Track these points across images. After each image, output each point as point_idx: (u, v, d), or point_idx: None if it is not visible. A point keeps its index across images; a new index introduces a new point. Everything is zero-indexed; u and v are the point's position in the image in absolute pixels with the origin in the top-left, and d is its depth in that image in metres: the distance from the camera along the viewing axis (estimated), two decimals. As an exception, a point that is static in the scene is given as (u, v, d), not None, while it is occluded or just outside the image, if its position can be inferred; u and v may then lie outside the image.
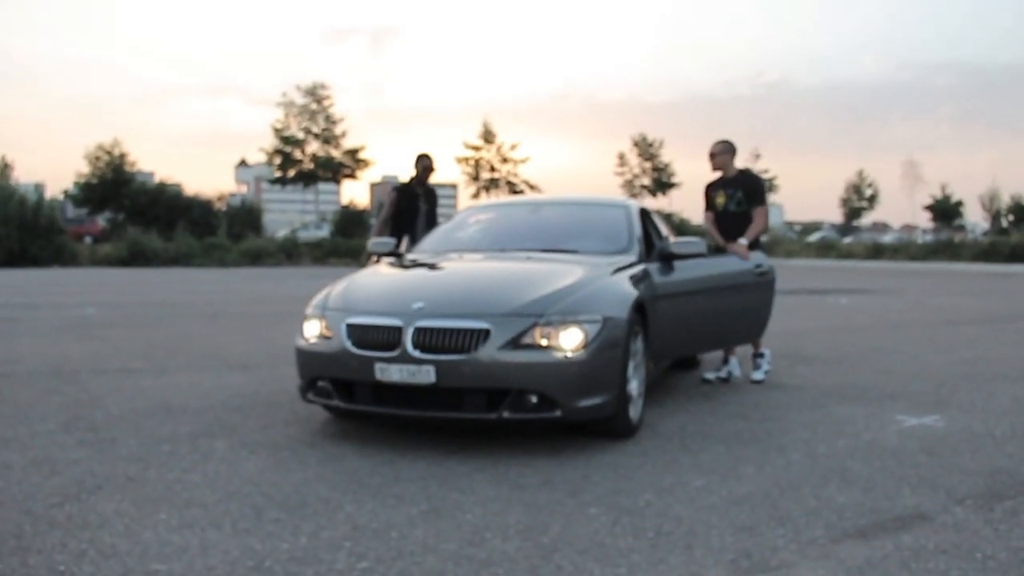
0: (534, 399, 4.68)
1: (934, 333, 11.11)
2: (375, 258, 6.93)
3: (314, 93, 48.39)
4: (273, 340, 9.58)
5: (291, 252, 36.66)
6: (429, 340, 4.71)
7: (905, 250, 40.84)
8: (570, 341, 4.72)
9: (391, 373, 4.72)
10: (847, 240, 54.07)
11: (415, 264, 6.01)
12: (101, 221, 45.73)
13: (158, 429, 5.32)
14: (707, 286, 6.49)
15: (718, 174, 7.44)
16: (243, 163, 70.74)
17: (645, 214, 7.00)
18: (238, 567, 3.17)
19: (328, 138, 48.33)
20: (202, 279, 23.41)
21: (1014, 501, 4.01)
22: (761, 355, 7.23)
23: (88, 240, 39.97)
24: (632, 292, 5.30)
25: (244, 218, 41.02)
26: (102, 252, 33.48)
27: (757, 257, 7.03)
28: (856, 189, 72.66)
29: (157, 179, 48.16)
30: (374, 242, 6.77)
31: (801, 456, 4.78)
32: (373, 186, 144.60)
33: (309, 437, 5.15)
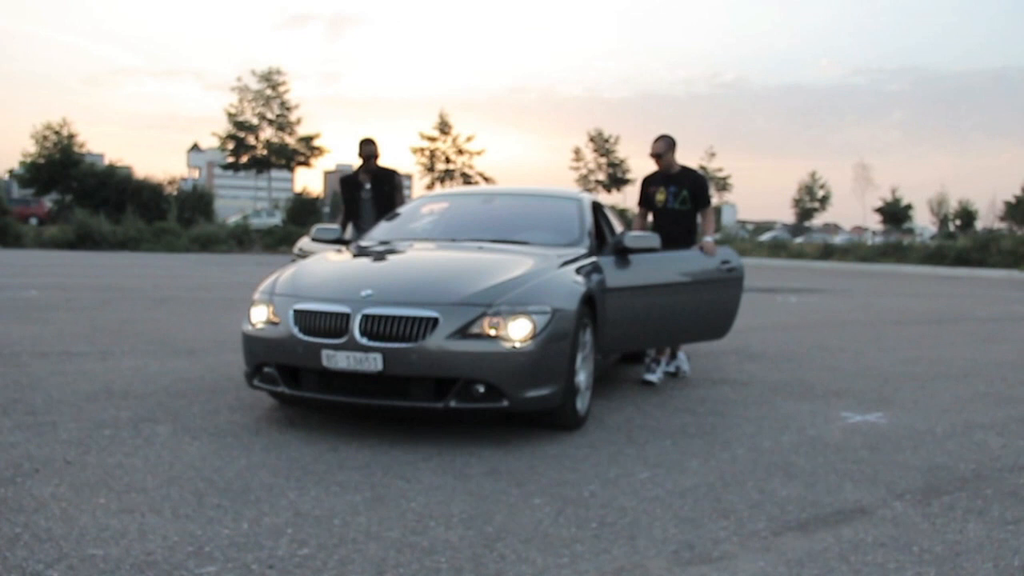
0: (481, 389, 4.66)
1: (880, 332, 11.28)
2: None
3: (269, 79, 47.91)
4: (220, 326, 9.46)
5: (242, 239, 36.24)
6: (377, 328, 4.67)
7: (855, 251, 41.46)
8: (518, 332, 4.71)
9: (338, 360, 4.68)
10: (798, 240, 54.74)
11: (365, 252, 5.96)
12: (48, 203, 44.84)
13: (99, 413, 5.22)
14: (666, 281, 6.45)
15: (654, 167, 7.23)
16: (196, 147, 69.78)
17: (597, 207, 7.01)
18: (177, 552, 3.12)
19: (283, 124, 47.88)
20: (150, 263, 23.06)
21: (951, 496, 4.08)
22: (675, 356, 7.11)
23: (34, 222, 39.15)
24: (581, 284, 5.30)
25: (195, 203, 40.38)
26: (48, 234, 32.81)
27: (725, 253, 6.97)
28: (808, 190, 73.68)
29: (107, 161, 47.46)
30: (317, 228, 6.69)
31: (746, 450, 4.82)
32: (327, 174, 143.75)
33: (253, 423, 5.09)
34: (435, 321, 4.65)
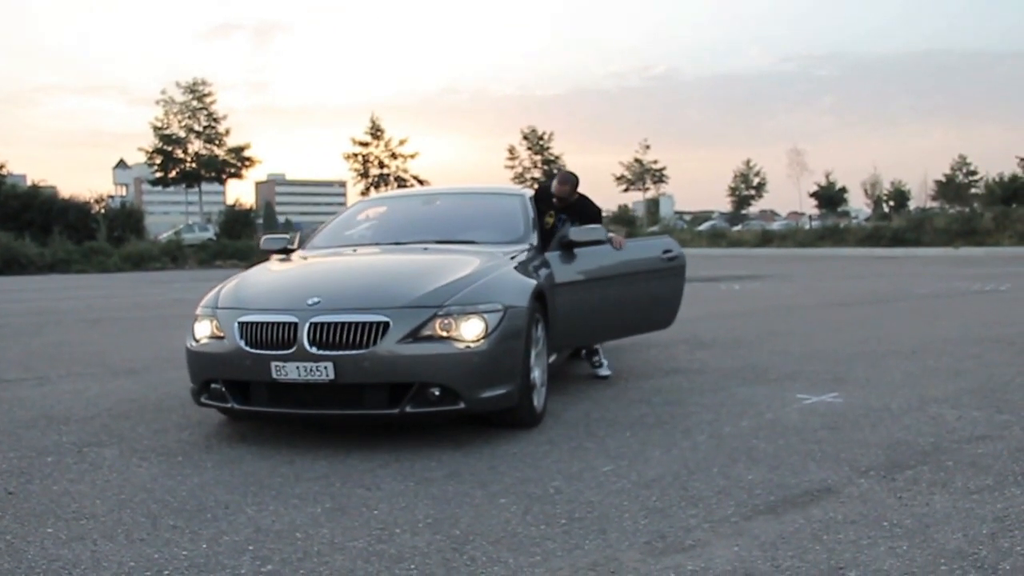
0: (436, 392, 4.57)
1: (825, 315, 11.41)
2: None
3: (195, 90, 47.11)
4: (159, 344, 9.21)
5: (175, 255, 35.55)
6: (326, 336, 4.55)
7: (793, 236, 42.09)
8: (471, 331, 4.62)
9: (288, 371, 4.54)
10: (737, 228, 55.39)
11: (307, 260, 5.82)
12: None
13: (40, 440, 5.02)
14: (611, 273, 6.41)
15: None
16: (122, 164, 68.40)
17: (545, 190, 6.93)
18: (133, 579, 2.98)
19: (211, 136, 47.11)
20: (82, 285, 22.50)
21: (914, 470, 4.10)
22: (596, 351, 6.87)
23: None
24: (531, 281, 5.24)
25: (125, 221, 39.50)
26: (-29, 261, 31.85)
27: (666, 243, 6.95)
28: (744, 178, 74.65)
29: (29, 182, 46.12)
30: (266, 239, 6.53)
31: (707, 437, 4.79)
32: (258, 185, 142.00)
33: (203, 441, 4.94)
34: (385, 325, 4.54)
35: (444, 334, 4.60)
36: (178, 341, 6.00)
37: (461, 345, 4.58)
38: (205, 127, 47.20)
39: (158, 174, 47.66)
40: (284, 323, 4.61)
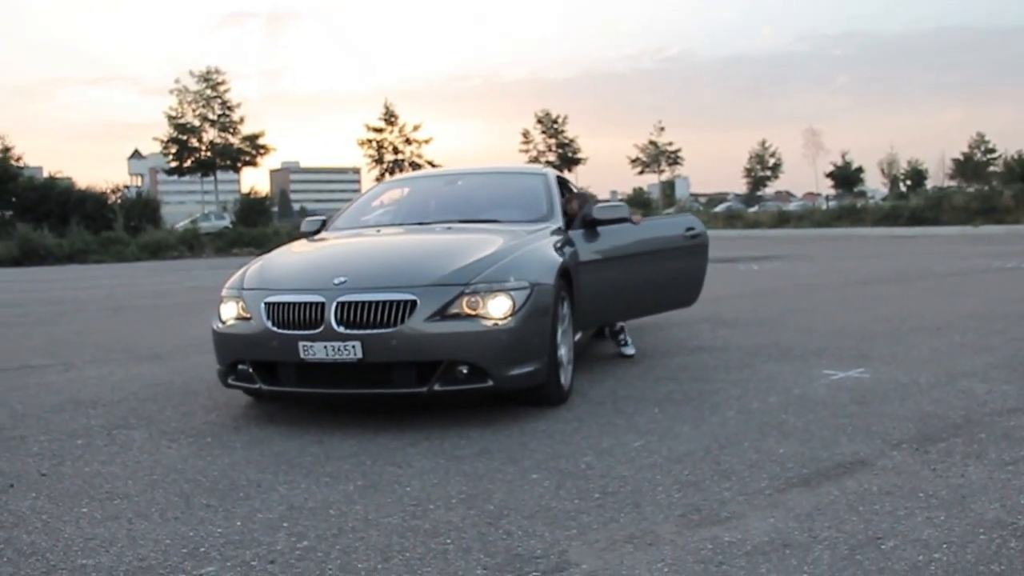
0: (465, 370, 4.56)
1: (847, 293, 11.35)
2: None
3: (209, 79, 47.11)
4: (182, 330, 9.25)
5: (192, 244, 35.68)
6: (354, 315, 4.54)
7: (810, 217, 41.81)
8: (498, 309, 4.61)
9: (316, 351, 4.54)
10: (753, 210, 55.07)
11: (330, 241, 5.82)
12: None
13: (69, 424, 5.05)
14: (635, 251, 6.39)
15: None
16: (136, 154, 68.55)
17: (562, 182, 6.93)
18: (171, 555, 2.99)
19: (225, 125, 47.12)
20: (101, 274, 22.60)
21: (947, 443, 4.07)
22: (621, 330, 6.89)
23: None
24: (557, 258, 5.22)
25: (141, 210, 39.59)
26: (-9, 252, 32.04)
27: (689, 220, 6.94)
28: (759, 159, 74.26)
29: (46, 174, 46.36)
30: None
31: (735, 413, 4.78)
32: (273, 173, 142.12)
33: (232, 422, 4.95)
34: (413, 304, 4.53)
35: (471, 312, 4.59)
36: (200, 328, 6.03)
37: (489, 323, 4.57)
38: (219, 115, 47.20)
39: (173, 163, 47.75)
40: (311, 303, 4.61)
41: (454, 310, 4.58)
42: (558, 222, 5.97)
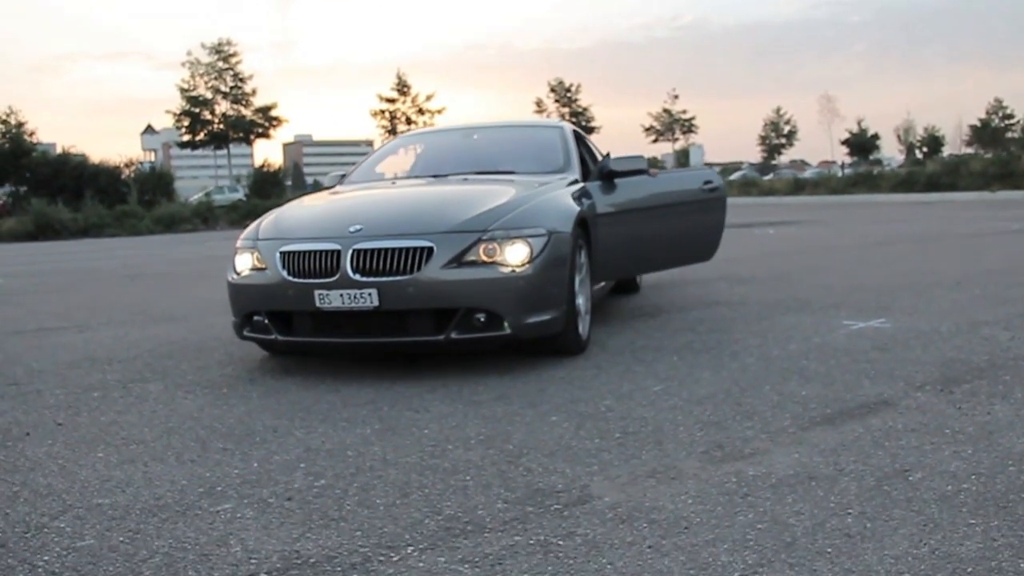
0: (482, 318, 4.51)
1: (864, 254, 11.24)
2: None
3: (220, 51, 46.97)
4: (197, 295, 9.22)
5: (207, 216, 35.69)
6: (369, 262, 4.50)
7: (825, 184, 41.41)
8: (516, 256, 4.56)
9: (332, 299, 4.50)
10: (768, 178, 54.69)
11: (346, 193, 5.77)
12: (2, 196, 43.85)
13: (85, 378, 5.03)
14: (653, 204, 6.31)
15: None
16: (149, 129, 68.40)
17: (579, 136, 6.85)
18: (188, 494, 2.96)
19: (238, 97, 47.04)
20: (116, 246, 22.63)
21: (971, 384, 4.01)
22: None
23: (-9, 216, 38.31)
24: (575, 207, 5.16)
25: (155, 184, 39.59)
26: (6, 227, 32.09)
27: (707, 174, 6.86)
28: (774, 126, 73.72)
29: (59, 149, 46.38)
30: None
31: (755, 360, 4.72)
32: (286, 146, 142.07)
33: (247, 374, 4.93)
34: (430, 251, 4.48)
35: (488, 259, 4.53)
36: (216, 291, 6.01)
37: (506, 270, 4.51)
38: (232, 88, 47.11)
39: (186, 136, 47.75)
40: (327, 251, 4.57)
41: (471, 257, 4.53)
42: (575, 174, 5.90)
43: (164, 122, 49.96)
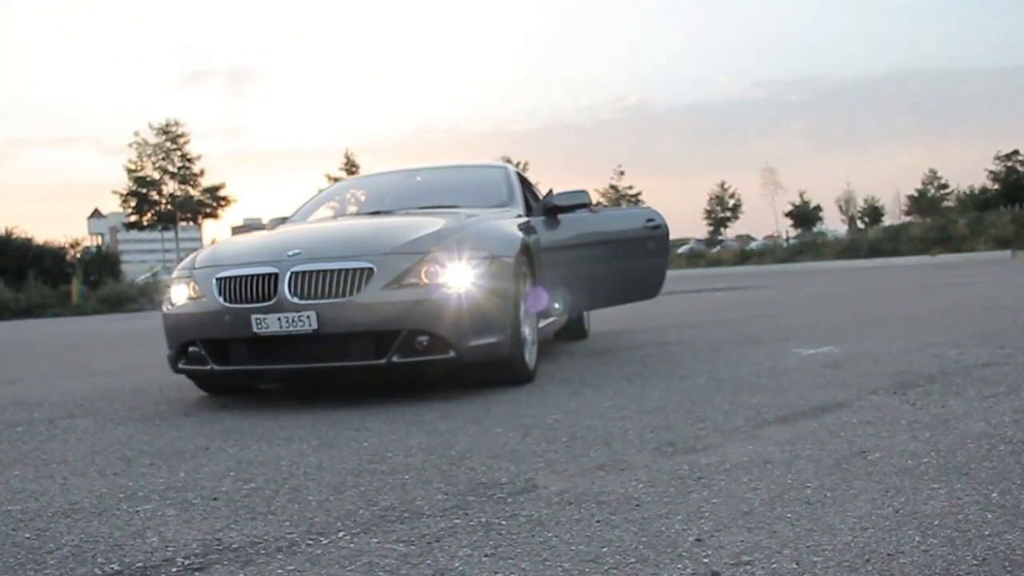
0: (424, 340, 4.36)
1: (812, 304, 11.29)
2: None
3: (168, 131, 46.83)
4: (138, 355, 8.96)
5: (153, 296, 35.13)
6: (308, 285, 4.35)
7: (771, 253, 41.99)
8: (458, 278, 4.43)
9: (269, 324, 4.33)
10: (715, 250, 55.29)
11: (285, 228, 5.64)
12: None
13: (10, 417, 4.77)
14: (596, 240, 6.26)
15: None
16: (96, 213, 67.85)
17: (522, 178, 6.81)
18: (107, 500, 2.76)
19: (185, 177, 46.76)
20: (58, 324, 22.11)
21: (924, 388, 3.95)
22: None
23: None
24: (519, 234, 5.08)
25: (101, 265, 39.02)
26: (-55, 308, 31.30)
27: (649, 212, 6.83)
28: (719, 200, 74.75)
29: (2, 231, 45.57)
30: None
31: (706, 380, 4.62)
32: (235, 229, 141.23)
33: (182, 408, 4.72)
34: (370, 272, 4.35)
35: (430, 281, 4.41)
36: (159, 353, 5.75)
37: (448, 291, 4.39)
38: (179, 168, 46.84)
39: (133, 217, 47.25)
40: (264, 275, 4.41)
41: (412, 279, 4.40)
42: (519, 209, 5.83)
43: (111, 207, 49.44)
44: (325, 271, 4.36)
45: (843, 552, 1.88)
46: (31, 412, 4.91)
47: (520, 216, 5.69)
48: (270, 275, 4.40)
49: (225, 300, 4.47)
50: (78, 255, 40.71)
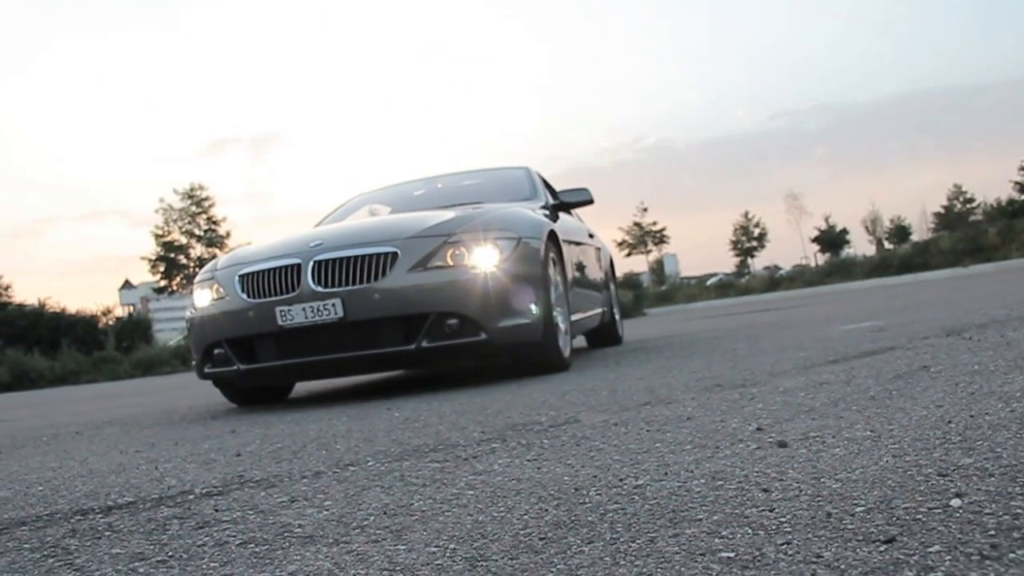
0: (454, 323, 4.19)
1: (852, 303, 11.07)
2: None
3: (193, 195, 47.29)
4: (170, 394, 8.88)
5: (186, 358, 35.21)
6: (332, 273, 4.20)
7: (801, 277, 41.52)
8: (485, 258, 4.27)
9: (294, 315, 4.18)
10: (744, 279, 54.85)
11: (308, 228, 5.54)
12: (-22, 353, 43.20)
13: (37, 433, 4.67)
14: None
15: None
16: (127, 284, 68.46)
17: (543, 179, 6.71)
18: (126, 465, 2.63)
19: (212, 239, 47.10)
20: (91, 390, 22.14)
21: (977, 330, 3.74)
22: None
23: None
24: (544, 220, 4.95)
25: (133, 330, 39.28)
26: (-19, 380, 31.55)
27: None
28: (744, 230, 74.33)
29: (36, 301, 46.08)
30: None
31: (748, 348, 4.48)
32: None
33: (209, 413, 4.60)
34: (394, 256, 4.20)
35: (455, 263, 4.26)
36: (192, 392, 5.65)
37: (476, 272, 4.23)
38: (205, 231, 47.20)
39: (162, 282, 47.58)
40: (287, 266, 4.27)
41: (437, 262, 4.25)
42: (543, 202, 5.71)
43: (141, 276, 49.84)
44: (349, 258, 4.22)
45: (920, 423, 1.72)
46: (58, 429, 4.81)
47: (545, 207, 5.57)
48: (293, 266, 4.27)
49: (248, 296, 4.35)
50: (110, 322, 41.05)
